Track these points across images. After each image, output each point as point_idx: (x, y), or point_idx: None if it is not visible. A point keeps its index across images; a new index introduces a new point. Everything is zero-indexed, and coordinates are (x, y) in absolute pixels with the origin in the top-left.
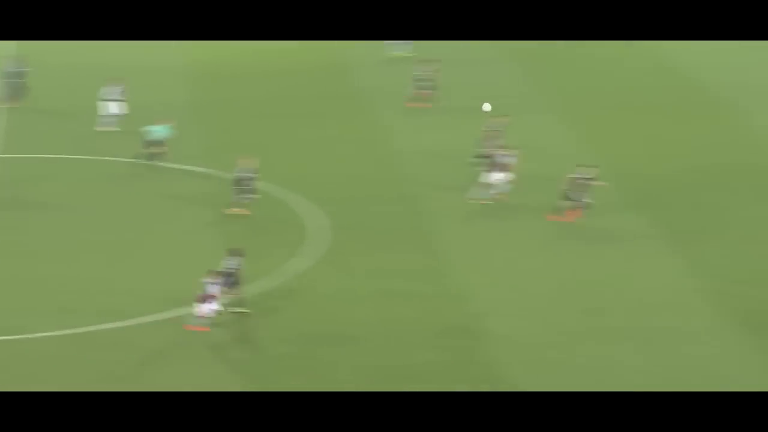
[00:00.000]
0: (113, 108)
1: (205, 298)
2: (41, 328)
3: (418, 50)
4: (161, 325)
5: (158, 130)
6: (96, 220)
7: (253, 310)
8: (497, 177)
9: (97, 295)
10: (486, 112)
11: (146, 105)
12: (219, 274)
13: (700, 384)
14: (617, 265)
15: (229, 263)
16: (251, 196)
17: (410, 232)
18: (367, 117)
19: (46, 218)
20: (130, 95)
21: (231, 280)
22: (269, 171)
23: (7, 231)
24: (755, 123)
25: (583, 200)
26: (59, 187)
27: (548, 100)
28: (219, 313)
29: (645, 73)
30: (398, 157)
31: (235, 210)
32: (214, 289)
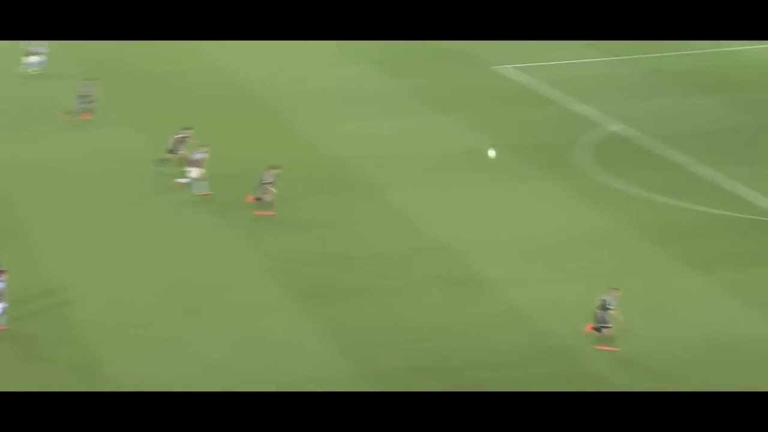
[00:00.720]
0: None
1: None
2: None
3: None
4: None
5: None
6: None
7: None
8: (194, 173)
9: None
10: (492, 157)
11: None
12: None
13: (296, 347)
14: (194, 252)
15: None
16: None
17: (4, 232)
18: None
19: None
20: None
21: None
22: None
23: None
24: (296, 125)
25: (264, 198)
26: None
27: (120, 110)
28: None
29: (197, 79)
30: None
31: None
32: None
